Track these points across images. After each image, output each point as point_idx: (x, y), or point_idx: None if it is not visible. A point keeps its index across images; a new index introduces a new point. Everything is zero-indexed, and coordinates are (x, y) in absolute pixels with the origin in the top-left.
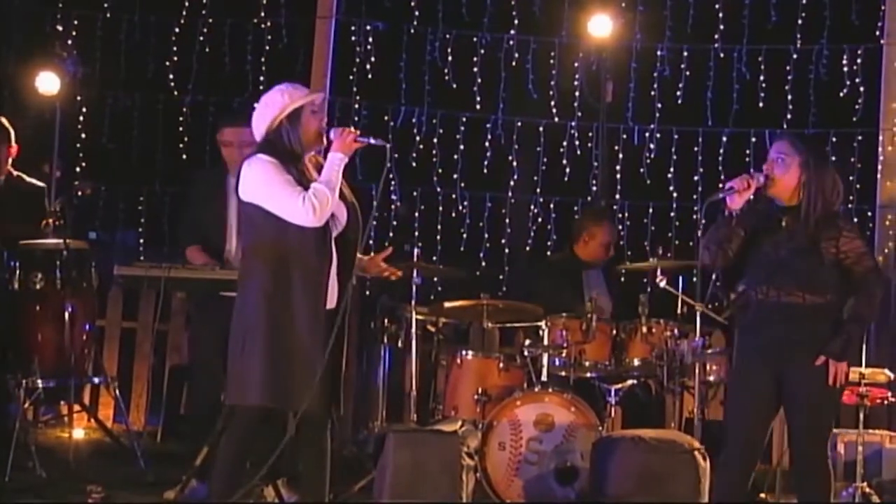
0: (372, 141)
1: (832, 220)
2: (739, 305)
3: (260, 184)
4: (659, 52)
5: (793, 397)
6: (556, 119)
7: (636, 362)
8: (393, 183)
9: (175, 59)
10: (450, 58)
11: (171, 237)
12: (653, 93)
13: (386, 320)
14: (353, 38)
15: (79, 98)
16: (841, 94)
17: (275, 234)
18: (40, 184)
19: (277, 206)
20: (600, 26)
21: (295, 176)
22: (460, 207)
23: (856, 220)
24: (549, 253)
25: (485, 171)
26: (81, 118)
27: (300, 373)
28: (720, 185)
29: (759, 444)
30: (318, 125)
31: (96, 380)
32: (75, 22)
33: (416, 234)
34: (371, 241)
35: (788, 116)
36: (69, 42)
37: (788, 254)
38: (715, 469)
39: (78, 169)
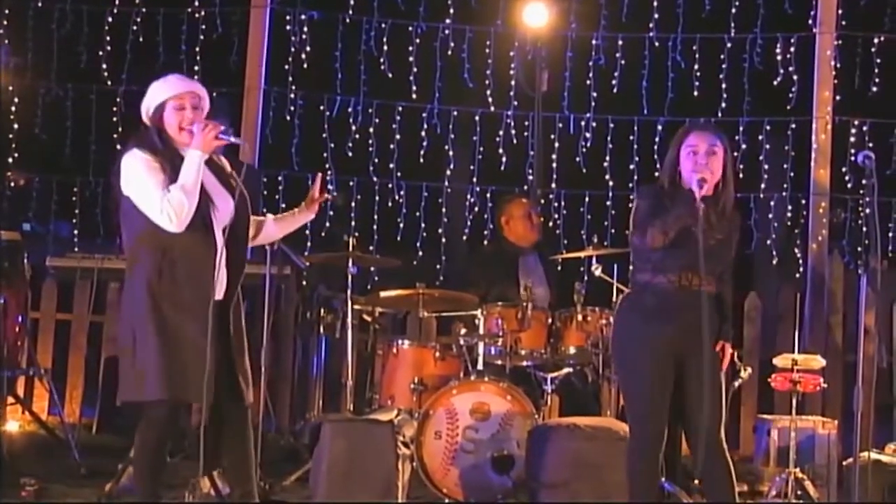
0: (232, 139)
1: (735, 210)
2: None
3: (128, 181)
4: (594, 41)
5: (697, 379)
6: (492, 108)
7: (572, 350)
8: (329, 172)
9: (108, 48)
10: (385, 47)
11: (105, 228)
12: (588, 82)
13: (322, 310)
14: (287, 28)
15: (10, 88)
16: (775, 83)
17: (152, 226)
18: None
19: (143, 207)
20: (535, 15)
21: (168, 172)
22: (396, 197)
23: (790, 207)
24: (485, 242)
25: (421, 160)
26: (13, 108)
27: (193, 364)
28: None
29: (665, 430)
30: (178, 122)
31: (30, 372)
32: (6, 11)
33: (353, 223)
34: (307, 232)
35: (723, 105)
36: (0, 31)
37: (716, 243)
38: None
39: (10, 160)
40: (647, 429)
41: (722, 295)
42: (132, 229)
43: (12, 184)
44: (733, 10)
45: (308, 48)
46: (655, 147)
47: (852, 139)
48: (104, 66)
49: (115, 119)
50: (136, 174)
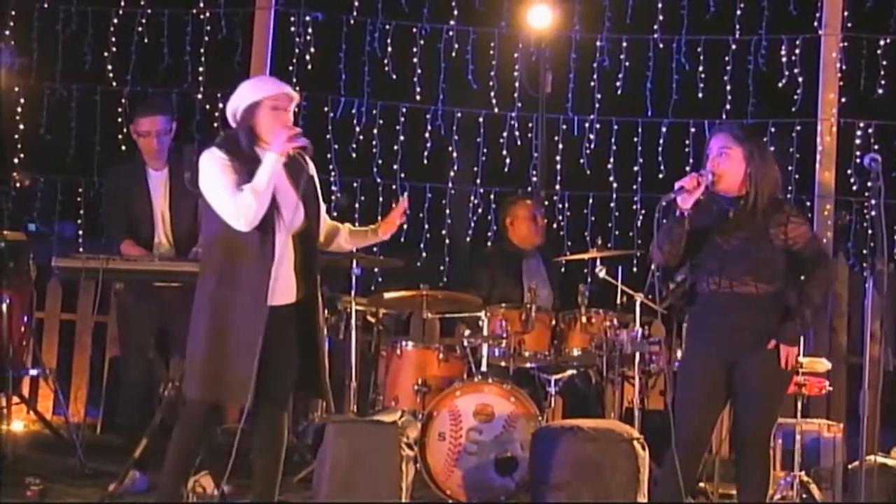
0: (301, 142)
1: (779, 207)
2: (680, 296)
3: (205, 180)
4: (598, 43)
5: (744, 386)
6: (496, 110)
7: (576, 352)
8: (333, 173)
9: (113, 49)
10: (389, 48)
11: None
12: (592, 83)
13: (326, 311)
14: (292, 29)
15: (16, 89)
16: (780, 85)
17: (223, 228)
18: None
19: (215, 206)
20: (540, 17)
21: (243, 174)
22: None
23: None
24: (489, 244)
25: (425, 161)
26: (19, 109)
27: (238, 368)
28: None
29: (708, 437)
30: (277, 123)
31: (34, 372)
32: (12, 12)
33: (356, 224)
34: None
35: (727, 107)
36: (6, 32)
37: (739, 243)
38: (659, 461)
39: (15, 160)
40: (679, 432)
41: (778, 295)
42: (207, 230)
43: (17, 184)
44: (738, 12)
45: (312, 49)
46: (659, 149)
47: (857, 141)
48: (109, 66)
49: (119, 120)
50: (211, 173)
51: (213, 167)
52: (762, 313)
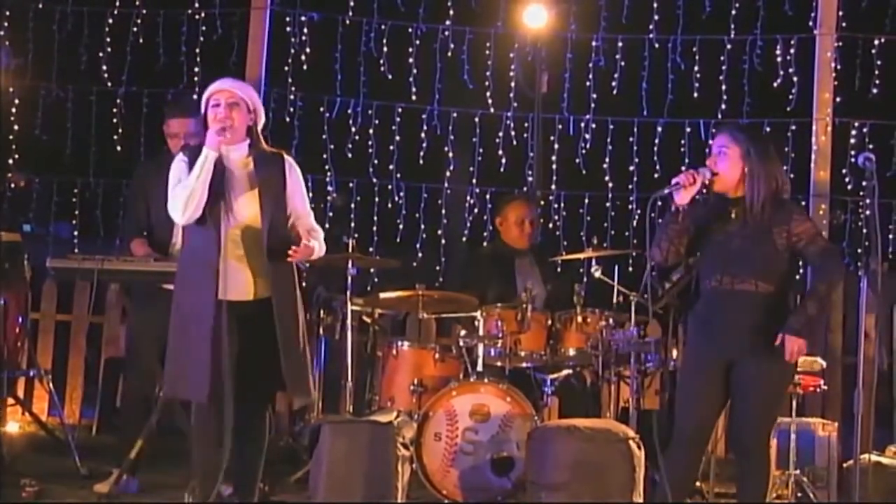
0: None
1: (781, 207)
2: (676, 295)
3: None
4: (594, 43)
5: (742, 387)
6: (492, 110)
7: (572, 352)
8: (329, 174)
9: (108, 49)
10: (385, 48)
11: (105, 228)
12: (588, 83)
13: (322, 312)
14: (287, 29)
15: (11, 89)
16: (775, 85)
17: (184, 227)
18: None
19: None
20: (535, 17)
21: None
22: (396, 198)
23: None
24: (484, 244)
25: (420, 161)
26: (14, 109)
27: (195, 364)
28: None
29: (708, 436)
30: (212, 118)
31: (30, 373)
32: (7, 13)
33: (352, 224)
34: None
35: (723, 106)
36: (1, 33)
37: (742, 242)
38: (654, 461)
39: (11, 161)
40: (679, 428)
41: (778, 295)
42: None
43: (12, 185)
44: (733, 12)
45: (308, 49)
46: (655, 149)
47: (852, 141)
48: (104, 67)
49: (115, 120)
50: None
51: (171, 171)
52: (761, 312)
